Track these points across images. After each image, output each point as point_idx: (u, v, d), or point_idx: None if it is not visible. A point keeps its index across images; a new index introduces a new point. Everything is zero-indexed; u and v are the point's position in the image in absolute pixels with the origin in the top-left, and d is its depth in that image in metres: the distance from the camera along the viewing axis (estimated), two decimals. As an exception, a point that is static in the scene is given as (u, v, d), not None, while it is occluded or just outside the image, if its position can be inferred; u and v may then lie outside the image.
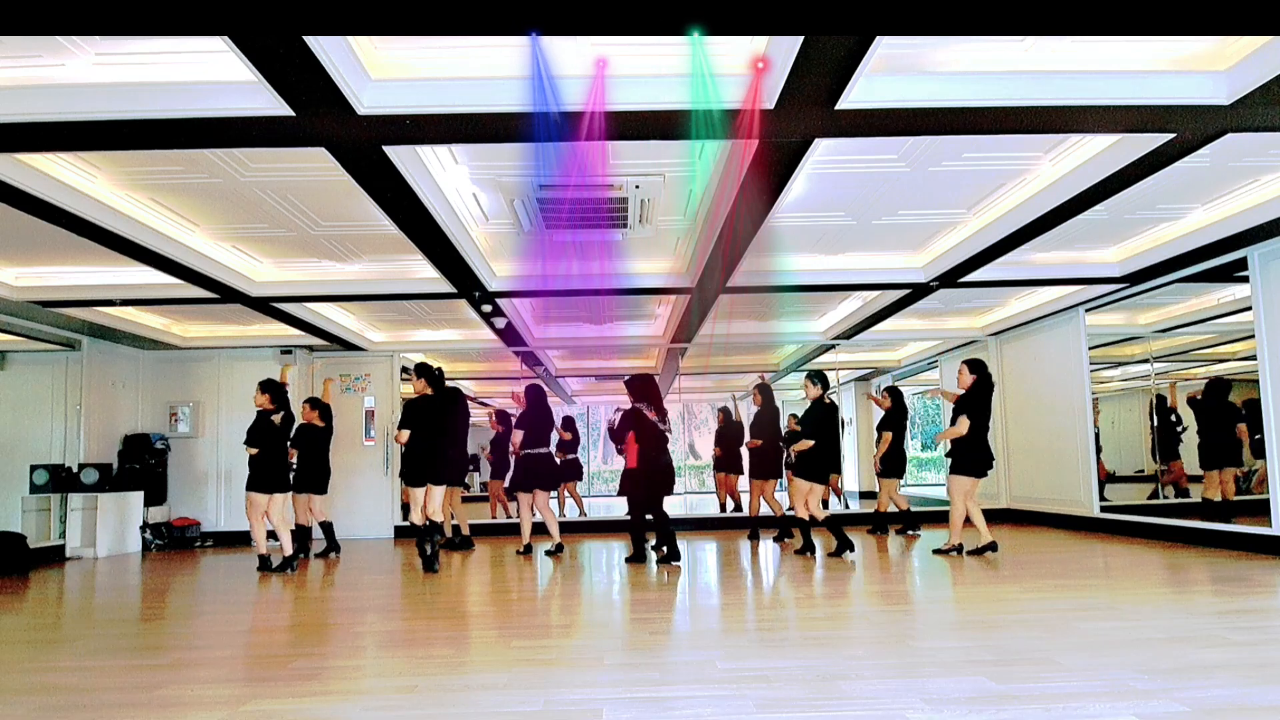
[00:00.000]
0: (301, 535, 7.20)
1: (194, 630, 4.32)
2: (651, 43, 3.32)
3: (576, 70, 3.38)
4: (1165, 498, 7.84)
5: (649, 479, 6.33)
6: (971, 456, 6.34)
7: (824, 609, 4.40)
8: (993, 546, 6.29)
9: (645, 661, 3.28)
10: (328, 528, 7.52)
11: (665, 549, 6.28)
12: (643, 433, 6.33)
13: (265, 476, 6.41)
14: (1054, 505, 8.58)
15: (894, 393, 8.28)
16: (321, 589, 5.70)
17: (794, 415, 8.50)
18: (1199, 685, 2.73)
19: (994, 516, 9.56)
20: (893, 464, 8.13)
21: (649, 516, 6.45)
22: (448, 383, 6.77)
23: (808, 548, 6.52)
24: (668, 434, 6.39)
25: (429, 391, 6.43)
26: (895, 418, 8.14)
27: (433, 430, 6.35)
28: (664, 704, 2.67)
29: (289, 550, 6.51)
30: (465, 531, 7.98)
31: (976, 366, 6.40)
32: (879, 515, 8.38)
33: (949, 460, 6.54)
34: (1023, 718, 2.46)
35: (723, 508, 10.06)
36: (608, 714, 2.58)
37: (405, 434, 6.33)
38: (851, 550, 6.33)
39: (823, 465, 6.52)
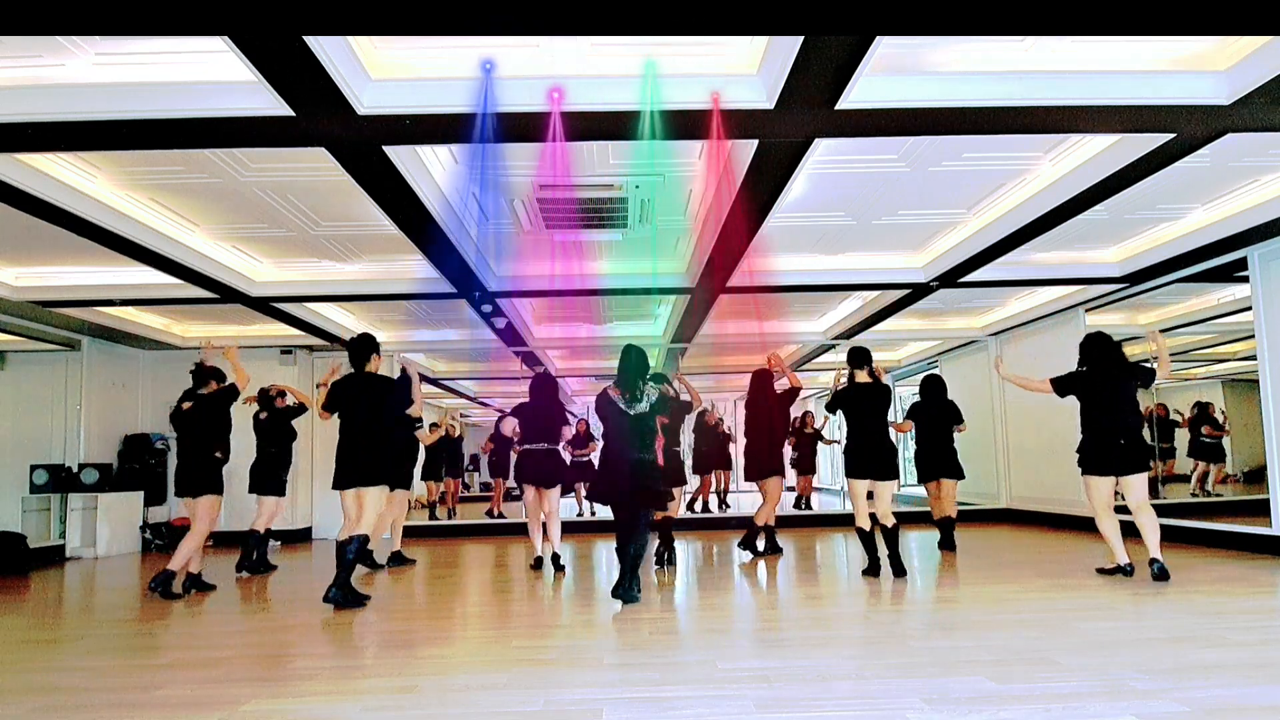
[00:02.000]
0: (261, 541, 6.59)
1: (194, 630, 4.32)
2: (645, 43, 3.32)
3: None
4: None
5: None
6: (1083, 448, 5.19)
7: (823, 609, 4.40)
8: (1127, 569, 5.06)
9: (645, 661, 3.27)
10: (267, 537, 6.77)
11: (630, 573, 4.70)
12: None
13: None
14: (1054, 505, 8.58)
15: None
16: (320, 590, 5.69)
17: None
18: (1199, 685, 2.73)
19: (994, 516, 9.58)
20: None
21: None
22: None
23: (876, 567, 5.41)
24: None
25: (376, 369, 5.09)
26: (922, 408, 7.07)
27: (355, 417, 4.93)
28: (664, 704, 2.67)
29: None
30: (397, 545, 6.83)
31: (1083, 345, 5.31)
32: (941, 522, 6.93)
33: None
34: (1023, 718, 2.46)
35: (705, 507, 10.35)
36: (608, 714, 2.58)
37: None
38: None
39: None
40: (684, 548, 7.46)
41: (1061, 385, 5.29)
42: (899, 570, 5.29)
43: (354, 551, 4.72)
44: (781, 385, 6.65)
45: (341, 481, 4.89)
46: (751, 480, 6.84)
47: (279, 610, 4.86)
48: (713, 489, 10.69)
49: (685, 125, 3.62)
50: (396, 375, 5.40)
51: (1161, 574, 4.80)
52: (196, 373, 5.62)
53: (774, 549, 6.81)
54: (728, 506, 10.88)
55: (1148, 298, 7.28)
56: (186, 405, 5.49)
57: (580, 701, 2.73)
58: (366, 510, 4.85)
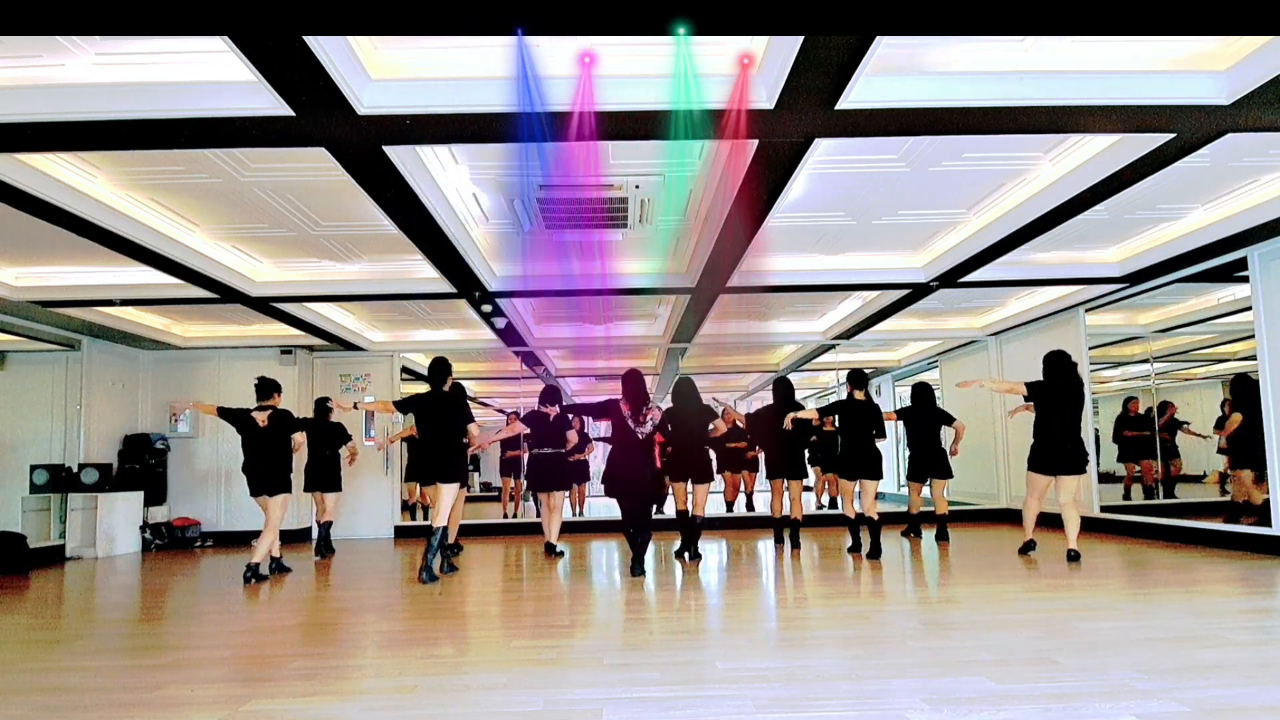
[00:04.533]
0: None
1: (194, 630, 4.32)
2: (646, 42, 3.32)
3: (563, 70, 3.39)
4: (1131, 498, 7.98)
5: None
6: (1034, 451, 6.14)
7: (824, 608, 4.40)
8: (1030, 545, 6.32)
9: (645, 661, 3.28)
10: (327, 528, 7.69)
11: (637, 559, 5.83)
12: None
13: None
14: (1054, 505, 8.54)
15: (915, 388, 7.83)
16: (321, 589, 5.70)
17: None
18: (1199, 685, 2.74)
19: (994, 516, 9.59)
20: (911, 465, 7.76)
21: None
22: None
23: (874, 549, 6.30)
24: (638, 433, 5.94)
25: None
26: (913, 412, 7.69)
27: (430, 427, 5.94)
28: (664, 704, 2.67)
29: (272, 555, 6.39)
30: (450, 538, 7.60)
31: (1046, 360, 6.12)
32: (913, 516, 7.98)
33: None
34: (1023, 718, 2.46)
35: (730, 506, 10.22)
36: (608, 714, 2.58)
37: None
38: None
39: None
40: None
41: (1032, 390, 6.05)
42: (877, 553, 6.23)
43: (438, 537, 5.75)
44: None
45: (426, 479, 5.91)
46: (776, 478, 7.26)
47: (280, 609, 4.86)
48: (741, 489, 10.44)
49: (686, 125, 3.62)
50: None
51: (1075, 558, 5.81)
52: (261, 386, 6.20)
53: (779, 541, 7.28)
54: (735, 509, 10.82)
55: (1148, 298, 7.28)
56: (262, 420, 6.07)
57: (580, 701, 2.73)
58: (443, 502, 5.78)
